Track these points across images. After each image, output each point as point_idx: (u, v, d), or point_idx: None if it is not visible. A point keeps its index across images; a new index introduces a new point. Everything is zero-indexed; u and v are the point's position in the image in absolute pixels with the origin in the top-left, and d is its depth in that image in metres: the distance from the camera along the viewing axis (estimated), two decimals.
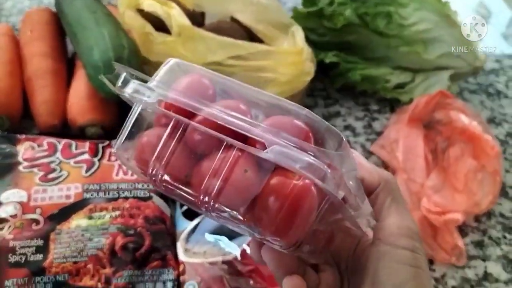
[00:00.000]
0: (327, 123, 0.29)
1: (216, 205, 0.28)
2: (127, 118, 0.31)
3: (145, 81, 0.31)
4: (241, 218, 0.28)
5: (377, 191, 0.33)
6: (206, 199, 0.28)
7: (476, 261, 0.58)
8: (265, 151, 0.26)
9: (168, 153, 0.29)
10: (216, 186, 0.28)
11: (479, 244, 0.60)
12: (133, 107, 0.31)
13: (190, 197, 0.30)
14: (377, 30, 0.72)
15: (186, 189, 0.30)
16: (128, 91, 0.30)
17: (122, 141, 0.31)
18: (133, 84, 0.30)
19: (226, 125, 0.27)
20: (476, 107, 0.77)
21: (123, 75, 0.30)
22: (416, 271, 0.30)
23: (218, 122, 0.28)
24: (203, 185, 0.28)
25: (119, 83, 0.30)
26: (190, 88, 0.30)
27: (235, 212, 0.28)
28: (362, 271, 0.32)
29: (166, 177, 0.30)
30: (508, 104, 0.78)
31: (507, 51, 0.89)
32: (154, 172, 0.30)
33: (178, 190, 0.30)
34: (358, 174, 0.31)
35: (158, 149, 0.30)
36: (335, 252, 0.35)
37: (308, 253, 0.31)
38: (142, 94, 0.29)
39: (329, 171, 0.26)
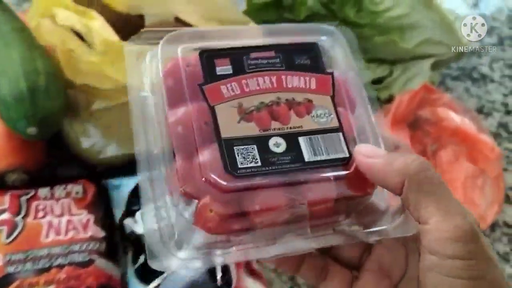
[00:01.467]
0: None
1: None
2: None
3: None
4: None
5: (404, 192, 0.26)
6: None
7: None
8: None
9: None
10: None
11: None
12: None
13: None
14: (346, 20, 0.62)
15: None
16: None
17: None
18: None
19: None
20: (461, 95, 0.68)
21: None
22: (472, 284, 0.24)
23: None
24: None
25: None
26: None
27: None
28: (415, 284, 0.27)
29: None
30: (495, 89, 0.70)
31: None
32: None
33: None
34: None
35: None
36: (384, 266, 0.30)
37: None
38: None
39: None
